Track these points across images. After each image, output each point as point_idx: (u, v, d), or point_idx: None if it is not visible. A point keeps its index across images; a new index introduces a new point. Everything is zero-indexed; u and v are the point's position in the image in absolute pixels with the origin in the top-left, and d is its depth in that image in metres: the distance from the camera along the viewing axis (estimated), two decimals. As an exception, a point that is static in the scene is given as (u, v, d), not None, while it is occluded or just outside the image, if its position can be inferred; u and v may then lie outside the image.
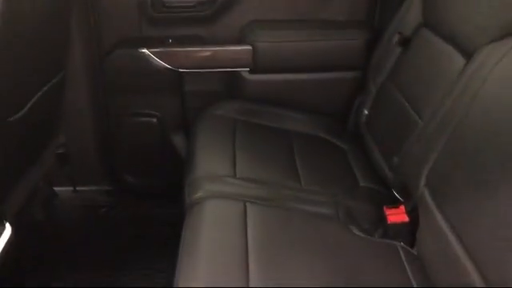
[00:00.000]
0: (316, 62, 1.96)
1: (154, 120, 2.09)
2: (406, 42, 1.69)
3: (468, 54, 1.33)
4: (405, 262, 1.27)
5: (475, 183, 1.05)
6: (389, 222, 1.39)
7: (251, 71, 1.96)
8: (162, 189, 2.18)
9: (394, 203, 1.45)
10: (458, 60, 1.36)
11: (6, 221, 1.23)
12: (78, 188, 2.15)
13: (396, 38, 1.72)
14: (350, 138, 1.88)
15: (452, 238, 1.10)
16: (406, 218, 1.37)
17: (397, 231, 1.37)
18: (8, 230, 1.23)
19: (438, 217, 1.18)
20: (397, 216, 1.39)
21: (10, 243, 1.22)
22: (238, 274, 1.10)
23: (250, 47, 1.93)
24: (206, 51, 1.95)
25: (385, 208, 1.43)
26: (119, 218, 2.09)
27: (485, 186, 1.01)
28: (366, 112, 1.85)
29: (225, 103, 1.92)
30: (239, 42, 1.96)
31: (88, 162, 2.15)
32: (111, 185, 2.21)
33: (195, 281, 1.09)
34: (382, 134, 1.69)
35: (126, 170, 2.18)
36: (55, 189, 2.13)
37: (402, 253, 1.30)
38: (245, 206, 1.32)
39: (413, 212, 1.36)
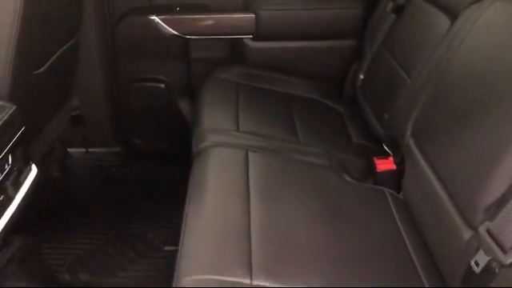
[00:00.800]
0: (316, 30, 2.07)
1: (162, 85, 2.22)
2: (399, 10, 1.81)
3: (454, 16, 1.45)
4: (391, 204, 1.40)
5: (455, 121, 1.18)
6: (378, 171, 1.52)
7: (254, 38, 2.08)
8: (167, 150, 2.31)
9: (384, 156, 1.59)
10: (445, 22, 1.48)
11: (33, 162, 1.37)
12: (90, 149, 2.29)
13: (390, 6, 1.84)
14: (347, 102, 2.01)
15: (434, 180, 1.23)
16: (393, 167, 1.50)
17: (385, 179, 1.50)
18: (34, 170, 1.36)
19: (422, 163, 1.31)
20: (385, 165, 1.52)
21: (35, 183, 1.36)
22: (241, 209, 1.23)
23: (253, 15, 2.04)
24: (211, 19, 2.06)
25: (375, 159, 1.56)
26: (128, 176, 2.22)
27: (464, 121, 1.14)
28: (361, 77, 1.97)
29: (228, 68, 2.04)
30: (243, 10, 2.07)
31: (99, 125, 2.28)
32: (121, 146, 2.34)
33: (202, 217, 1.23)
34: (375, 96, 1.81)
35: (135, 132, 2.31)
36: (69, 150, 2.28)
37: (389, 197, 1.43)
38: (247, 154, 1.45)
39: (400, 162, 1.49)
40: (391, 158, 1.55)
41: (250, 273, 1.04)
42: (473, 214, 1.03)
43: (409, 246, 1.24)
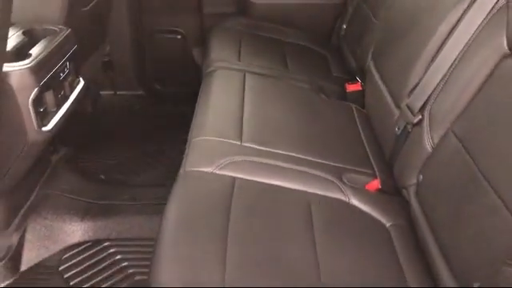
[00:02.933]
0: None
1: (179, 37, 2.63)
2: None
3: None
4: (355, 115, 1.80)
5: (396, 41, 1.58)
6: (347, 91, 1.92)
7: (257, -5, 2.49)
8: (183, 94, 2.72)
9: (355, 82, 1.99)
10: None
11: (80, 76, 1.79)
12: (118, 92, 2.72)
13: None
14: (332, 49, 2.40)
15: (383, 86, 1.63)
16: (359, 88, 1.91)
17: (353, 97, 1.91)
18: (82, 82, 1.79)
19: (376, 77, 1.71)
20: (354, 87, 1.93)
21: (82, 92, 1.77)
22: (237, 106, 1.64)
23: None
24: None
25: (346, 83, 1.96)
26: (149, 112, 2.65)
27: (400, 40, 1.53)
28: (344, 27, 2.36)
29: (234, 19, 2.44)
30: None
31: (126, 71, 2.70)
32: (143, 90, 2.76)
33: (206, 114, 1.63)
34: (353, 40, 2.21)
35: (155, 78, 2.74)
36: (101, 92, 2.71)
37: (354, 110, 1.84)
38: (244, 76, 1.86)
39: (365, 85, 1.89)
40: (359, 83, 1.95)
41: (240, 138, 1.46)
42: (401, 99, 1.43)
43: (362, 135, 1.65)
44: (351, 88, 1.92)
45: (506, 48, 1.11)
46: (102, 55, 2.57)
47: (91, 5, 1.94)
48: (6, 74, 1.34)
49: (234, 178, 1.31)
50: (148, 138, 2.39)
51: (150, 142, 2.35)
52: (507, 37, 1.11)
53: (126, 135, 2.43)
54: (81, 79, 1.80)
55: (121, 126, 2.53)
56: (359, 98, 1.90)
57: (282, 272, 1.06)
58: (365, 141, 1.65)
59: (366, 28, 2.03)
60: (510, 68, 1.09)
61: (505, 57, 1.11)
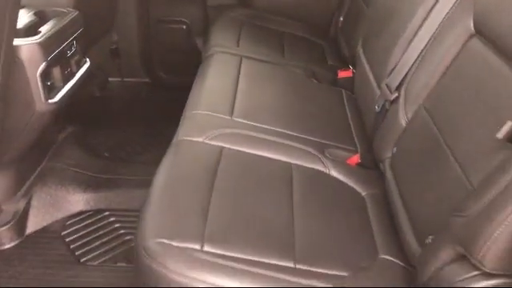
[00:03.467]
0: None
1: (184, 27, 2.75)
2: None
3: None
4: (344, 98, 1.90)
5: (381, 30, 1.67)
6: (339, 77, 2.02)
7: (258, -13, 2.60)
8: (186, 82, 2.83)
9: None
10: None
11: (87, 57, 1.91)
12: (125, 79, 2.85)
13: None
14: (329, 40, 2.50)
15: (368, 70, 1.73)
16: (350, 74, 2.00)
17: (343, 83, 2.01)
18: (88, 62, 1.90)
19: (364, 61, 1.80)
20: (345, 73, 2.03)
21: (87, 71, 1.89)
22: (231, 86, 1.75)
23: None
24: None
25: (338, 70, 2.06)
26: (153, 98, 2.77)
27: (384, 27, 1.63)
28: (341, 19, 2.46)
29: (236, 10, 2.55)
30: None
31: (132, 59, 2.82)
32: (149, 77, 2.88)
33: (198, 103, 1.71)
34: (348, 31, 2.30)
35: (160, 66, 2.85)
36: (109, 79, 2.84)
37: (344, 94, 1.94)
38: (241, 60, 1.97)
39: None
40: (350, 70, 2.04)
41: (231, 113, 1.57)
42: (382, 79, 1.52)
43: (348, 116, 1.75)
44: (342, 74, 2.02)
45: (473, 29, 1.20)
46: (110, 43, 2.70)
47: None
48: (17, 47, 1.46)
49: (222, 148, 1.41)
50: (151, 122, 2.50)
51: (153, 124, 2.46)
52: (474, 18, 1.20)
53: (131, 118, 2.55)
54: (87, 59, 1.92)
55: (126, 110, 2.65)
56: (350, 84, 1.99)
57: (258, 228, 1.16)
58: (350, 121, 1.75)
59: (360, 18, 2.12)
60: (475, 47, 1.18)
61: (471, 36, 1.20)
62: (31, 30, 1.59)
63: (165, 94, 2.83)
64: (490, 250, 0.85)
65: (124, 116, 2.59)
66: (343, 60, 2.24)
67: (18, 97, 1.52)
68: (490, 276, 0.88)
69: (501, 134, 0.90)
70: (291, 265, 1.07)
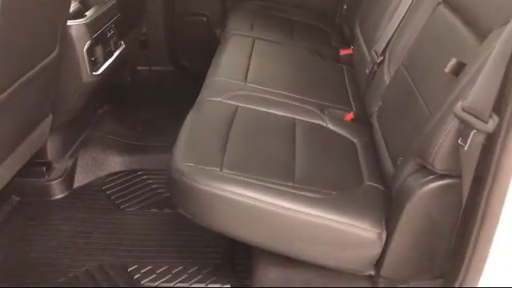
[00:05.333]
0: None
1: (204, 19, 3.06)
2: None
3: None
4: (344, 72, 2.18)
5: (374, 4, 1.94)
6: (340, 54, 2.30)
7: (270, -18, 2.89)
8: (207, 69, 3.13)
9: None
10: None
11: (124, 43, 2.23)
12: (152, 68, 3.17)
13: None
14: (335, 27, 2.78)
15: (363, 44, 2.00)
16: (351, 51, 2.27)
17: (345, 60, 2.28)
18: (123, 45, 2.22)
19: (360, 38, 2.08)
20: (346, 51, 2.30)
21: (122, 53, 2.21)
22: (245, 60, 2.04)
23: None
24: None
25: (340, 49, 2.34)
26: (177, 85, 3.08)
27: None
28: (344, 7, 2.74)
29: (253, 2, 2.85)
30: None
31: (159, 49, 3.14)
32: (174, 66, 3.20)
33: (217, 73, 2.01)
34: (351, 17, 2.57)
35: (184, 55, 3.17)
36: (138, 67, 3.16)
37: (344, 68, 2.21)
38: (254, 41, 2.26)
39: (356, 49, 2.26)
40: (351, 48, 2.32)
41: (245, 80, 1.87)
42: (371, 48, 1.79)
43: (347, 85, 2.02)
44: (344, 52, 2.29)
45: (439, -3, 1.47)
46: (140, 34, 3.03)
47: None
48: (69, 26, 1.78)
49: (238, 106, 1.70)
50: (175, 103, 2.79)
51: (177, 106, 2.75)
52: (440, -12, 1.47)
53: (158, 100, 2.86)
54: (122, 42, 2.24)
55: (153, 94, 2.97)
56: (350, 60, 2.27)
57: (265, 159, 1.44)
58: (348, 88, 2.02)
59: (359, 3, 2.40)
60: (441, 13, 1.45)
61: (438, 4, 1.47)
62: (78, 14, 1.91)
63: (187, 79, 3.15)
64: (438, 154, 1.12)
65: (151, 99, 2.91)
66: (345, 42, 2.52)
67: (69, 69, 1.84)
68: (441, 177, 1.15)
69: (448, 68, 1.17)
70: (290, 184, 1.35)
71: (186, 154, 1.39)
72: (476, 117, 1.02)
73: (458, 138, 1.06)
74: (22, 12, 1.37)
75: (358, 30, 2.15)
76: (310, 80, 1.99)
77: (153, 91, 3.02)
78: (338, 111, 1.82)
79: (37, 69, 1.55)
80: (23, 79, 1.46)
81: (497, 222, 1.07)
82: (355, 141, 1.65)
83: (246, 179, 1.30)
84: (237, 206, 1.27)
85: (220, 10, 3.04)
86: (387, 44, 1.66)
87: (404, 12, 1.62)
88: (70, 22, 1.79)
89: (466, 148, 1.04)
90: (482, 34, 1.19)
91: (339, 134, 1.68)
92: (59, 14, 1.67)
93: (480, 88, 1.02)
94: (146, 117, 2.65)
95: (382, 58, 1.67)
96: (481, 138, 1.02)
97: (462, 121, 1.05)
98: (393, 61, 1.62)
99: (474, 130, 1.02)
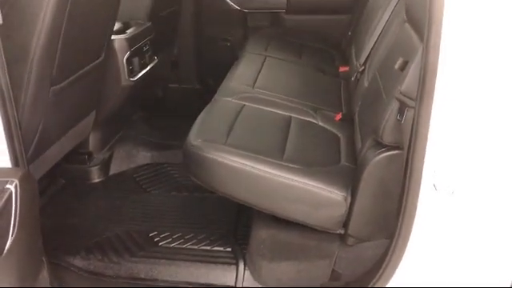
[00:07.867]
0: (324, 7, 3.27)
1: (228, 44, 3.50)
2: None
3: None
4: (341, 85, 2.54)
5: (360, 26, 2.31)
6: (340, 71, 2.67)
7: (286, 12, 3.31)
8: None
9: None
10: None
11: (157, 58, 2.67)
12: (181, 85, 3.61)
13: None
14: (340, 51, 3.16)
15: (354, 59, 2.36)
16: (347, 69, 2.64)
17: (344, 75, 2.64)
18: (156, 60, 2.66)
19: (353, 53, 2.44)
20: (344, 68, 2.67)
21: (154, 67, 2.63)
22: (251, 80, 2.43)
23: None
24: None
25: (340, 67, 2.71)
26: (204, 101, 3.48)
27: (363, 23, 2.27)
28: (349, 33, 3.12)
29: (270, 29, 3.27)
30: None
31: (188, 69, 3.59)
32: (200, 84, 3.63)
33: (230, 80, 2.42)
34: (352, 40, 2.95)
35: (209, 75, 3.60)
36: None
37: (342, 83, 2.57)
38: (265, 58, 2.66)
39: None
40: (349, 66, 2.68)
41: (253, 86, 2.24)
42: (358, 61, 2.16)
43: (342, 95, 2.37)
44: (342, 69, 2.66)
45: (405, 16, 1.83)
46: (172, 55, 3.49)
47: (166, 11, 2.86)
48: (113, 40, 2.23)
49: (244, 104, 2.08)
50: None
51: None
52: (405, 7, 1.83)
53: (185, 114, 3.26)
54: (155, 57, 2.69)
55: (181, 108, 3.39)
56: (349, 76, 2.63)
57: (261, 141, 1.80)
58: (342, 97, 2.38)
59: (359, 28, 2.78)
60: (405, 29, 1.80)
61: (404, 22, 1.83)
62: (120, 31, 2.36)
63: (211, 96, 3.56)
64: (385, 128, 1.46)
65: (179, 111, 3.33)
66: (347, 62, 2.89)
67: (111, 73, 2.28)
68: (389, 149, 1.49)
69: (397, 65, 1.52)
70: (280, 160, 1.70)
71: (198, 133, 1.77)
72: (409, 97, 1.36)
73: (397, 115, 1.41)
74: (81, 18, 1.80)
75: (352, 49, 2.52)
76: (309, 89, 2.37)
77: (180, 105, 3.45)
78: (329, 112, 2.17)
79: (87, 69, 1.98)
80: (77, 75, 1.89)
81: (418, 188, 1.33)
82: (339, 135, 2.00)
83: (243, 152, 1.66)
84: (235, 171, 1.64)
85: (242, 36, 3.47)
86: (368, 56, 2.03)
87: (381, 30, 1.99)
88: (114, 37, 2.24)
89: (402, 122, 1.38)
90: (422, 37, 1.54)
91: (327, 129, 2.03)
92: (106, 27, 2.11)
93: (411, 76, 1.37)
94: (173, 125, 3.06)
95: (363, 67, 2.03)
96: (412, 114, 1.36)
97: (400, 101, 1.39)
98: (371, 68, 1.97)
99: (407, 107, 1.36)
